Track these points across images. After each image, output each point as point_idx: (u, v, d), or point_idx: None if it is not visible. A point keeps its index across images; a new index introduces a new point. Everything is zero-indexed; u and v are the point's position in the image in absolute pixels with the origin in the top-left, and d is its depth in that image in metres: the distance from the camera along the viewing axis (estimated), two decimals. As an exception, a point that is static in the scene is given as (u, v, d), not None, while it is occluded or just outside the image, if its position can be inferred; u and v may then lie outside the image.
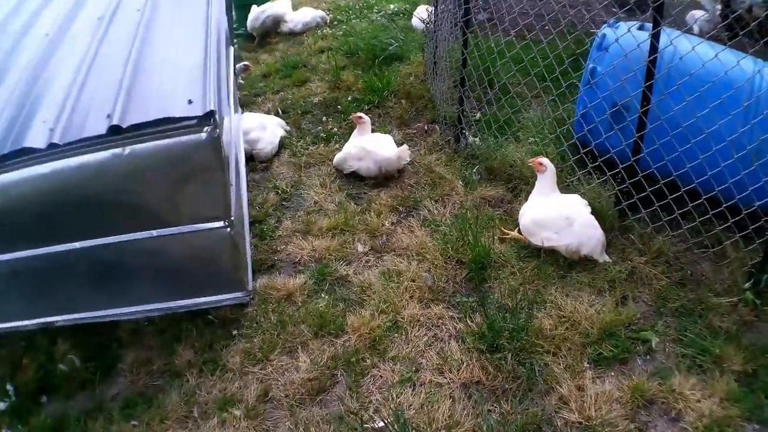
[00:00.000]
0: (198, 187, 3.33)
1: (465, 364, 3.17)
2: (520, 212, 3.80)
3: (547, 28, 4.43)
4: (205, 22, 3.82)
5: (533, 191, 3.84)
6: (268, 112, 5.85)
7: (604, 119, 3.94)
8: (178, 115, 3.01)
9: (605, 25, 4.20)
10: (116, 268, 3.59)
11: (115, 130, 2.98)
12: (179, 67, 3.40)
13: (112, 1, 4.53)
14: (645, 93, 3.52)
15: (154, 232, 3.41)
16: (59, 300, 3.74)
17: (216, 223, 3.42)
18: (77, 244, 3.43)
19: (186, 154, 3.16)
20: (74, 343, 3.67)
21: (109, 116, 3.04)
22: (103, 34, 4.01)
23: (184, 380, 3.34)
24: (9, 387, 3.54)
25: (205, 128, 3.07)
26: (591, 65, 4.12)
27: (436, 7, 5.44)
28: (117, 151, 3.07)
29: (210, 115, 3.02)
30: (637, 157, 3.69)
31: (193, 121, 3.04)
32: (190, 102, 3.08)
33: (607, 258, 3.65)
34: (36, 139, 3.08)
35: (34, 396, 3.49)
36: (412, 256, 3.91)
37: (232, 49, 5.26)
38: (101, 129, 2.99)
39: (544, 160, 3.79)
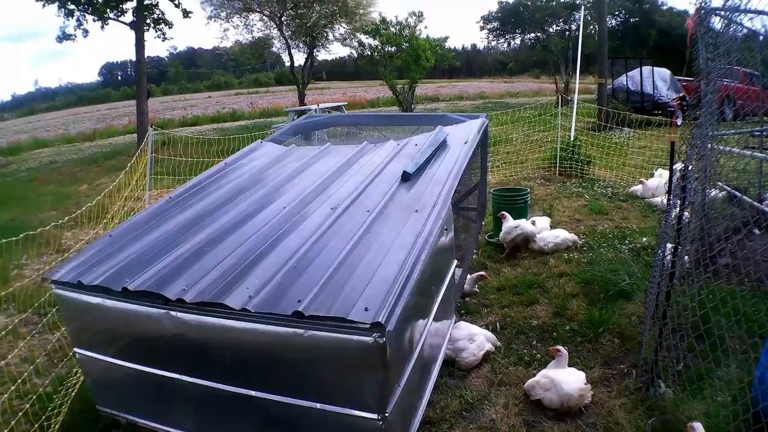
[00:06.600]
0: (360, 380, 3.68)
1: None
2: None
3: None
4: (414, 239, 4.26)
5: None
6: (487, 326, 6.11)
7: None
8: (351, 318, 3.45)
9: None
10: (281, 422, 4.02)
11: (298, 315, 3.55)
12: (375, 275, 3.88)
13: (350, 196, 5.17)
14: None
15: (318, 405, 3.82)
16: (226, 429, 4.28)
17: (370, 414, 3.71)
18: (253, 392, 3.98)
19: (353, 351, 3.56)
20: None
21: (299, 302, 3.62)
22: (328, 227, 4.65)
23: None
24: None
25: (374, 334, 3.45)
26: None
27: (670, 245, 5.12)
28: (298, 331, 3.62)
29: (378, 325, 3.40)
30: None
31: (366, 326, 3.43)
32: (366, 309, 3.49)
33: None
34: (235, 300, 3.78)
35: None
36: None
37: (454, 263, 5.63)
38: (288, 311, 3.57)
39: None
